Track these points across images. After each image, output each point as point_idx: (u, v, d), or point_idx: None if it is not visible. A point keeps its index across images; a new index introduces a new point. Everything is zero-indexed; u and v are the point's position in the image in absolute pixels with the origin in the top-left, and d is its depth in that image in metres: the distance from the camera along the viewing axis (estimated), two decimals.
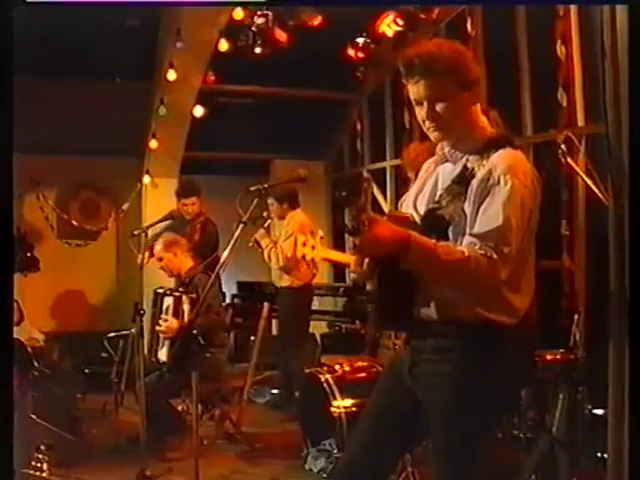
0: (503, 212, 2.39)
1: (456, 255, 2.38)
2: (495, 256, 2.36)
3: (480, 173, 2.47)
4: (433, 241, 2.42)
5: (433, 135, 2.59)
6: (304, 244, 3.84)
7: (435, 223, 2.53)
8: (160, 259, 5.86)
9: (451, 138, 2.60)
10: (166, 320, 5.46)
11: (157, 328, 5.51)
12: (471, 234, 2.43)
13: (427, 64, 2.48)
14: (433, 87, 2.50)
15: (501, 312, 2.49)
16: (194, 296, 5.37)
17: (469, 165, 2.53)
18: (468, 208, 2.47)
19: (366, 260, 2.55)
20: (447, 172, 2.62)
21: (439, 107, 2.52)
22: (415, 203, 2.70)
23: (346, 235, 2.32)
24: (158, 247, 5.88)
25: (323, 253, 4.05)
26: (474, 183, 2.47)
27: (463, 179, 2.51)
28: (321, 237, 3.99)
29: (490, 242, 2.37)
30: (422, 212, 2.63)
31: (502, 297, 2.48)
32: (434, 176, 2.68)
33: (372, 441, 2.75)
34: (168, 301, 5.57)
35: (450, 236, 2.49)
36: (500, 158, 2.48)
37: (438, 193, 2.59)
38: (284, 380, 6.97)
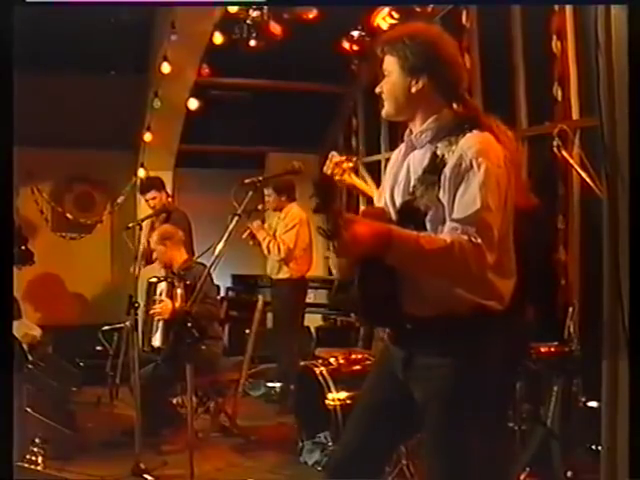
0: (480, 195, 2.38)
1: (439, 243, 2.36)
2: (479, 240, 2.34)
3: (451, 160, 2.46)
4: (415, 232, 2.41)
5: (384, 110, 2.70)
6: (336, 164, 3.76)
7: (411, 214, 2.52)
8: (153, 250, 5.97)
9: (398, 116, 2.67)
10: (161, 301, 5.52)
11: (152, 311, 5.56)
12: (452, 219, 2.41)
13: (387, 39, 2.66)
14: (384, 61, 2.65)
15: (489, 298, 2.48)
16: (188, 282, 5.43)
17: (439, 152, 2.52)
18: (444, 197, 2.45)
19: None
20: (417, 161, 2.61)
21: (384, 81, 2.65)
22: (392, 196, 2.69)
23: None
24: (154, 238, 5.96)
25: (351, 179, 3.96)
26: (446, 171, 2.46)
27: (435, 167, 2.50)
28: (353, 165, 3.90)
29: (471, 226, 2.36)
30: (398, 204, 2.63)
31: (488, 282, 2.46)
32: (405, 166, 2.67)
33: (365, 434, 2.75)
34: (161, 286, 5.65)
35: (428, 226, 2.48)
36: (469, 142, 2.47)
37: (411, 184, 2.58)
38: (279, 373, 6.98)
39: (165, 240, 5.90)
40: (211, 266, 4.09)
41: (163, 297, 5.57)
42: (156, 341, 5.58)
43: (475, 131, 2.51)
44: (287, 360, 6.74)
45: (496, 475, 2.69)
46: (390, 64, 2.62)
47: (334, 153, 3.81)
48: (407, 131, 2.69)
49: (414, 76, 2.57)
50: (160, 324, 5.54)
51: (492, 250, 2.37)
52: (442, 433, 2.55)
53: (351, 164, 3.81)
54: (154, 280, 5.78)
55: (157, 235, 5.96)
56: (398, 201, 2.63)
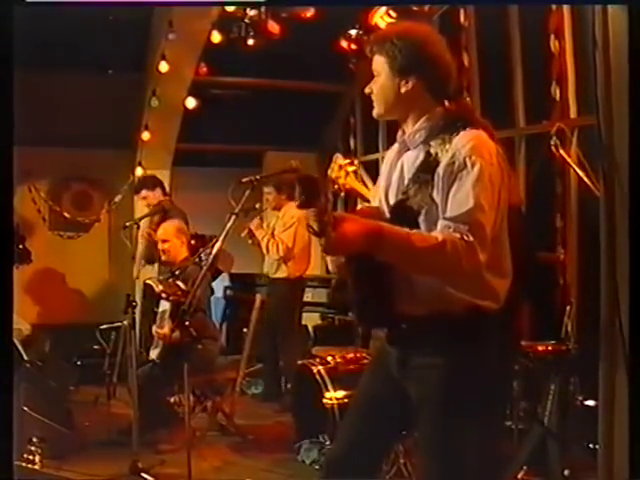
0: (473, 194, 2.37)
1: (431, 241, 2.34)
2: (472, 238, 2.33)
3: (445, 159, 2.45)
4: (406, 229, 2.39)
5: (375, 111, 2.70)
6: (340, 167, 3.75)
7: (405, 214, 2.51)
8: (166, 240, 5.86)
9: (388, 116, 2.67)
10: (162, 327, 5.44)
11: (154, 332, 5.51)
12: (444, 218, 2.40)
13: (375, 39, 2.65)
14: (373, 62, 2.64)
15: (484, 297, 2.48)
16: (184, 288, 5.38)
17: (432, 151, 2.51)
18: (437, 196, 2.45)
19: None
20: (411, 160, 2.60)
21: (374, 82, 2.64)
22: (387, 196, 2.68)
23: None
24: (171, 230, 5.90)
25: (354, 183, 3.95)
26: (440, 170, 2.45)
27: (428, 166, 2.49)
28: (355, 169, 3.89)
29: (464, 225, 2.35)
30: (392, 204, 2.62)
31: (483, 281, 2.45)
32: (399, 166, 2.66)
33: (360, 432, 2.75)
34: (165, 305, 5.51)
35: (422, 226, 2.47)
36: (462, 140, 2.46)
37: (405, 183, 2.58)
38: (274, 372, 6.98)
39: (181, 234, 5.87)
40: (209, 266, 4.08)
41: (165, 322, 5.41)
42: (154, 355, 5.55)
43: (468, 129, 2.50)
44: (284, 359, 6.75)
45: (491, 475, 2.69)
46: (379, 64, 2.61)
47: (339, 155, 3.79)
48: (400, 132, 2.68)
49: (403, 76, 2.56)
50: (160, 342, 5.49)
51: (484, 249, 2.36)
52: (436, 433, 2.54)
53: (354, 167, 3.81)
54: (152, 284, 5.66)
55: (174, 227, 5.89)
56: (392, 200, 2.63)
